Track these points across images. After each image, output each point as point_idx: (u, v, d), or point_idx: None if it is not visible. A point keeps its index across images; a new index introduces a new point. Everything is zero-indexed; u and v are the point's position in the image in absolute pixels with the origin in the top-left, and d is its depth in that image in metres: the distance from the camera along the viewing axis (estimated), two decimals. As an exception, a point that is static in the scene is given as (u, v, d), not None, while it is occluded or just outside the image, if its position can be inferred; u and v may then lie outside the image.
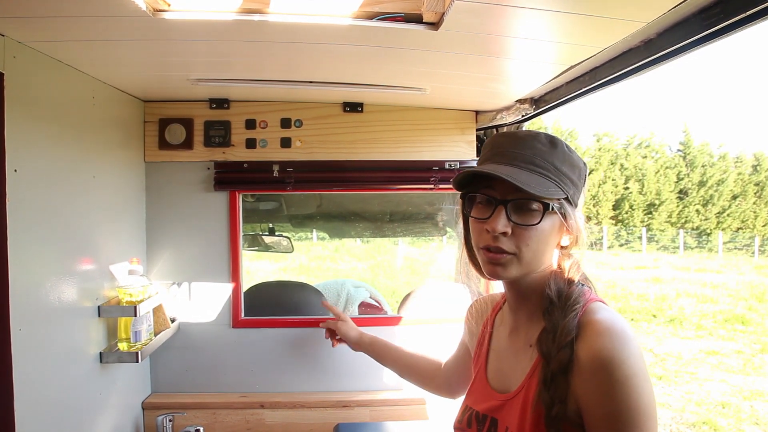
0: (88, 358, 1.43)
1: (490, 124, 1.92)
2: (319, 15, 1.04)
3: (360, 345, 1.63)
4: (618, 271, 14.98)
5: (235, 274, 1.86)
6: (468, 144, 1.91)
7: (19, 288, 1.13)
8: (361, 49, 1.24)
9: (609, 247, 21.54)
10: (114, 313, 1.51)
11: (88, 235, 1.46)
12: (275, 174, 1.83)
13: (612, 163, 24.73)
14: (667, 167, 25.04)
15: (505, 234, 0.89)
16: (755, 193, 24.65)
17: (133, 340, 1.51)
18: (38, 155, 1.22)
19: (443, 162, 1.87)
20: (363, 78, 1.55)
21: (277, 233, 3.17)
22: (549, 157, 0.91)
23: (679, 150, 25.90)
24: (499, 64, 1.35)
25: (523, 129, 1.91)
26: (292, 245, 3.20)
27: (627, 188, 24.36)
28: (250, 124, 1.85)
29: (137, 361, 1.48)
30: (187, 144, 1.83)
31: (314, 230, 9.98)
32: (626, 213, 24.11)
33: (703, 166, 24.94)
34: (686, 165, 25.27)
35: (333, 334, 1.74)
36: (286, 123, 1.86)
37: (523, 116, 1.78)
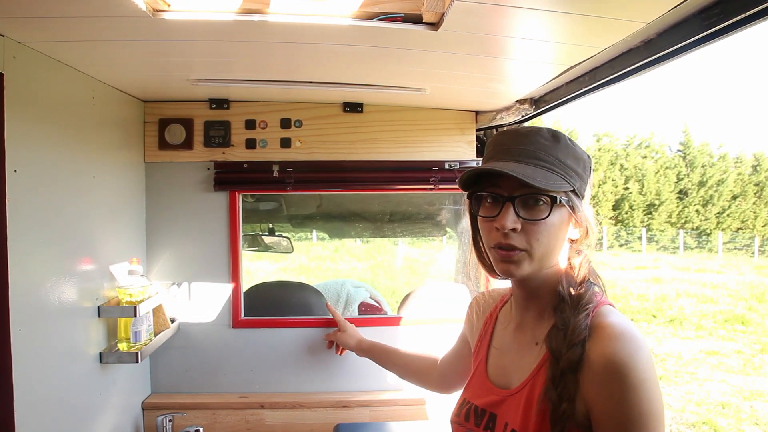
0: (88, 358, 1.43)
1: (490, 125, 1.92)
2: (319, 15, 1.04)
3: (360, 352, 1.66)
4: (618, 272, 14.98)
5: (235, 275, 1.86)
6: (468, 144, 1.91)
7: (19, 288, 1.13)
8: (361, 49, 1.24)
9: (609, 248, 21.55)
10: (114, 313, 1.51)
11: (88, 236, 1.46)
12: (275, 174, 1.83)
13: (612, 164, 24.74)
14: (667, 167, 25.06)
15: (515, 230, 0.88)
16: (755, 194, 24.66)
17: (133, 341, 1.51)
18: (38, 155, 1.22)
19: (443, 162, 1.87)
20: (363, 78, 1.55)
21: (277, 233, 3.17)
22: (552, 150, 0.91)
23: (679, 150, 25.92)
24: (499, 64, 1.35)
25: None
26: (291, 245, 3.20)
27: (627, 188, 24.37)
28: (250, 125, 1.85)
29: (137, 362, 1.48)
30: (187, 144, 1.83)
31: (314, 230, 9.98)
32: (626, 213, 24.12)
33: (703, 167, 24.95)
34: (686, 165, 25.28)
35: (337, 344, 1.78)
36: (286, 123, 1.86)
37: (523, 116, 1.78)
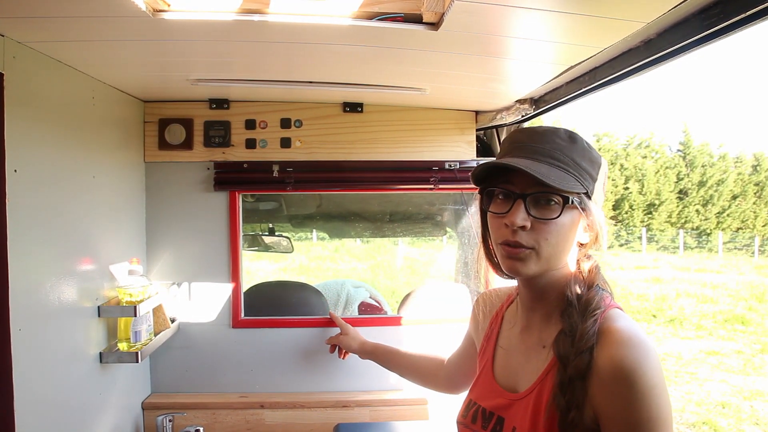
0: (88, 358, 1.43)
1: (490, 124, 1.92)
2: (319, 15, 1.04)
3: (364, 354, 1.65)
4: (618, 271, 14.97)
5: (235, 274, 1.86)
6: (468, 144, 1.91)
7: (19, 288, 1.13)
8: (361, 49, 1.24)
9: (609, 247, 21.07)
10: (114, 313, 1.51)
11: (88, 235, 1.46)
12: (275, 174, 1.83)
13: (612, 163, 24.70)
14: (667, 167, 25.04)
15: (524, 228, 0.87)
16: (755, 193, 24.65)
17: (133, 340, 1.51)
18: (38, 155, 1.22)
19: (443, 162, 1.87)
20: (363, 78, 1.55)
21: (277, 233, 3.17)
22: (568, 151, 0.90)
23: (679, 150, 25.91)
24: (499, 64, 1.35)
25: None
26: (291, 245, 3.20)
27: (627, 188, 24.35)
28: (250, 125, 1.85)
29: (137, 361, 1.48)
30: (187, 144, 1.83)
31: (314, 230, 9.99)
32: (626, 213, 24.11)
33: (703, 166, 24.94)
34: (686, 165, 25.27)
35: (339, 348, 1.77)
36: (285, 123, 1.86)
37: (522, 116, 1.78)
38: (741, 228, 24.09)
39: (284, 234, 3.23)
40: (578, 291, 0.90)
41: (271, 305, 2.13)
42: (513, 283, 1.05)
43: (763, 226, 23.89)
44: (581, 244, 0.94)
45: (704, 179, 24.62)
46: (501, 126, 1.96)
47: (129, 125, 1.74)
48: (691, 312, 10.05)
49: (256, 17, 1.03)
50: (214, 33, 1.14)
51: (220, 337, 1.86)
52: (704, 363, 7.11)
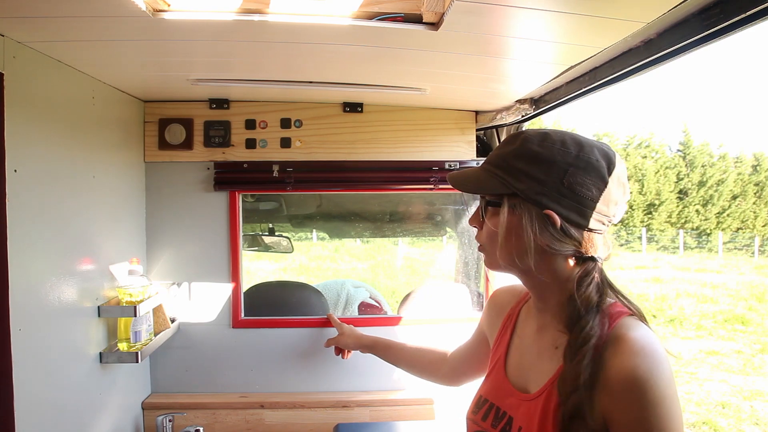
0: (88, 358, 1.43)
1: (490, 124, 1.92)
2: (319, 15, 1.04)
3: (364, 348, 1.65)
4: (618, 271, 14.95)
5: (235, 274, 1.86)
6: (468, 144, 1.91)
7: (19, 288, 1.13)
8: (361, 49, 1.24)
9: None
10: (114, 313, 1.50)
11: (88, 236, 1.46)
12: (275, 174, 1.83)
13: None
14: (667, 167, 25.06)
15: (478, 228, 0.98)
16: (755, 193, 24.66)
17: (133, 341, 1.51)
18: (38, 155, 1.22)
19: (443, 162, 1.87)
20: (363, 78, 1.55)
21: (277, 233, 3.17)
22: (505, 153, 0.92)
23: (679, 150, 25.93)
24: (499, 64, 1.35)
25: (523, 128, 1.91)
26: (291, 245, 3.20)
27: (627, 188, 24.34)
28: (250, 124, 1.85)
29: (137, 362, 1.48)
30: (187, 144, 1.83)
31: (314, 230, 9.98)
32: (626, 213, 23.92)
33: (702, 166, 24.95)
34: (686, 165, 25.29)
35: (341, 350, 1.77)
36: (285, 123, 1.86)
37: (523, 116, 1.78)
38: (741, 228, 24.10)
39: (284, 234, 3.23)
40: (573, 307, 0.87)
41: (271, 305, 2.13)
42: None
43: (763, 226, 23.90)
44: (551, 249, 0.88)
45: (704, 179, 24.63)
46: (501, 126, 1.96)
47: (129, 125, 1.74)
48: (691, 312, 10.04)
49: (256, 17, 1.03)
50: (214, 33, 1.14)
51: (220, 337, 1.86)
52: (704, 363, 7.11)
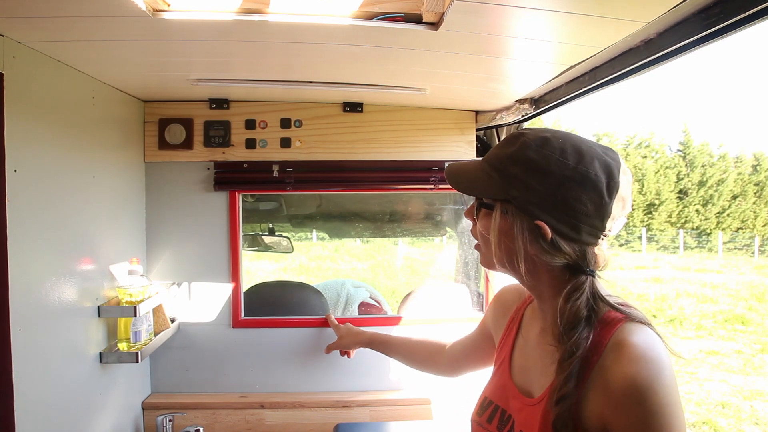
0: (88, 358, 1.43)
1: (489, 124, 1.92)
2: (319, 15, 1.04)
3: (363, 344, 1.67)
4: (618, 271, 14.96)
5: (235, 274, 1.86)
6: (468, 144, 1.91)
7: (19, 288, 1.13)
8: (361, 49, 1.24)
9: (609, 247, 21.49)
10: (114, 313, 1.51)
11: (88, 236, 1.46)
12: (275, 174, 1.83)
13: (612, 164, 24.69)
14: (667, 167, 25.06)
15: (473, 224, 0.97)
16: (755, 193, 24.66)
17: (133, 340, 1.51)
18: (38, 155, 1.22)
19: (443, 162, 1.87)
20: (363, 78, 1.55)
21: (277, 233, 3.17)
22: (503, 155, 0.89)
23: (679, 150, 25.93)
24: (499, 64, 1.35)
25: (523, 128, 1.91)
26: (291, 245, 3.20)
27: (627, 188, 24.35)
28: (250, 124, 1.85)
29: (137, 361, 1.48)
30: (187, 144, 1.83)
31: (314, 230, 9.98)
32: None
33: (702, 166, 24.96)
34: (686, 165, 25.28)
35: (342, 351, 1.77)
36: (285, 123, 1.86)
37: (522, 116, 1.78)
38: (741, 228, 24.10)
39: (284, 234, 3.23)
40: (564, 318, 0.85)
41: (271, 305, 2.13)
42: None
43: (763, 226, 23.90)
44: (537, 257, 0.87)
45: (704, 179, 24.63)
46: (501, 126, 1.96)
47: (129, 125, 1.74)
48: (691, 312, 10.04)
49: (256, 17, 1.03)
50: (214, 33, 1.14)
51: (220, 337, 1.86)
52: (704, 363, 7.11)
